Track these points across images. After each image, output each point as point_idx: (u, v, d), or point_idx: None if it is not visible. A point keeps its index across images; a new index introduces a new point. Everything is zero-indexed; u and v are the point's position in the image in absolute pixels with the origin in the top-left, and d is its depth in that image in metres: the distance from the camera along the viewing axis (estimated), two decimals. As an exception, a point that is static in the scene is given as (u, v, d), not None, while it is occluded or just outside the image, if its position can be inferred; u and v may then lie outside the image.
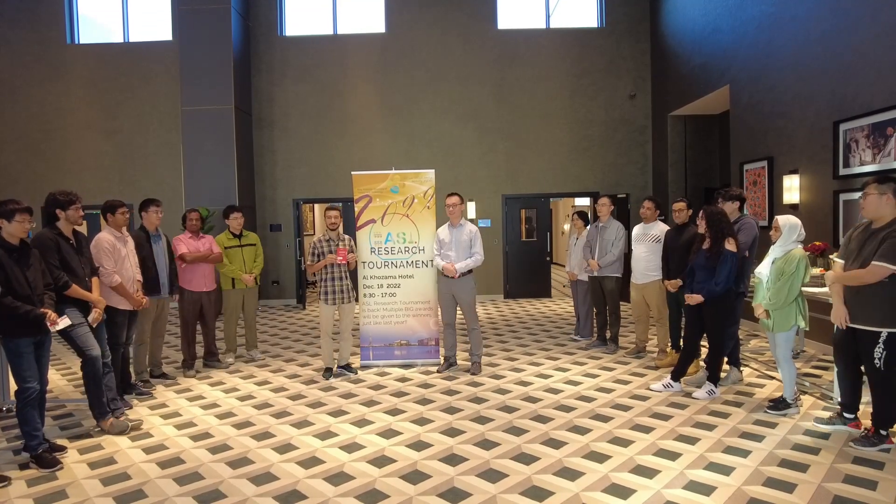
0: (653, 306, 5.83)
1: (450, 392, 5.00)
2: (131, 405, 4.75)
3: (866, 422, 3.77)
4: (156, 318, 5.36)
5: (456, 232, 5.56)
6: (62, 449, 3.80)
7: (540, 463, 3.52)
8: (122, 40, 10.74)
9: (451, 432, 4.06)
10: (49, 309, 3.63)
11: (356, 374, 5.64)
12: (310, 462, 3.62)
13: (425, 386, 5.20)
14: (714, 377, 4.69)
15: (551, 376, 5.42)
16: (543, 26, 10.80)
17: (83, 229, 4.60)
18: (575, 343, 6.79)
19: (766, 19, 7.01)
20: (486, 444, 3.83)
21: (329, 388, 5.23)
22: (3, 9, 10.44)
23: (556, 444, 3.81)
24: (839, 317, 3.69)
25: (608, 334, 6.41)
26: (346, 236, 5.66)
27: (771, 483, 3.19)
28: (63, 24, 10.52)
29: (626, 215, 9.84)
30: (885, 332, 3.49)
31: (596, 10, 10.80)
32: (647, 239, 5.78)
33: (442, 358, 5.82)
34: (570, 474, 3.36)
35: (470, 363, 5.68)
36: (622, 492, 3.14)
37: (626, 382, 5.16)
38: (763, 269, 4.28)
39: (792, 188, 6.52)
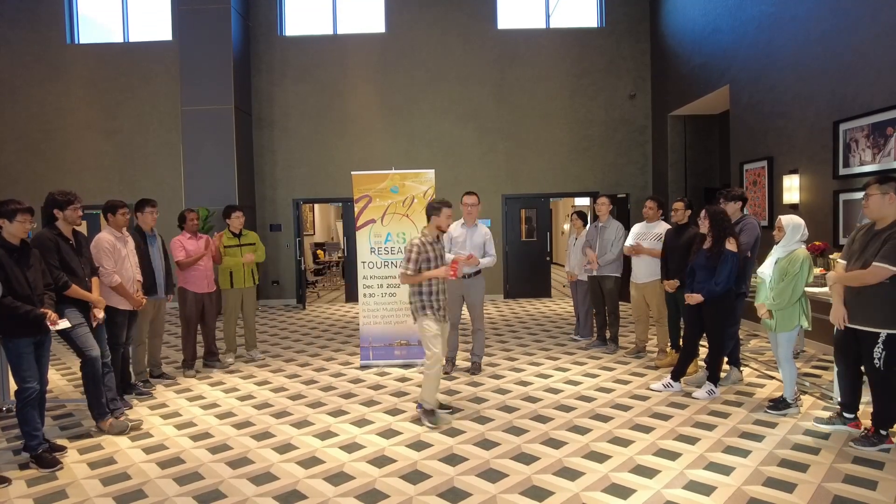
0: (652, 306, 5.83)
1: (450, 392, 5.00)
2: (131, 405, 4.75)
3: (866, 422, 3.77)
4: (153, 319, 5.37)
5: (470, 232, 5.53)
6: (62, 449, 3.80)
7: (540, 463, 3.52)
8: (122, 40, 10.75)
9: (451, 432, 4.06)
10: (49, 309, 3.63)
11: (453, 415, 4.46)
12: (310, 462, 3.62)
13: (425, 386, 5.20)
14: (714, 377, 4.69)
15: (551, 376, 5.42)
16: (543, 26, 10.80)
17: (83, 229, 4.60)
18: (575, 343, 6.79)
19: (766, 19, 7.01)
20: (486, 444, 3.83)
21: (329, 387, 5.23)
22: (3, 9, 10.45)
23: (556, 443, 3.81)
24: (837, 317, 3.70)
25: (608, 334, 6.41)
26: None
27: (771, 483, 3.19)
28: (63, 24, 10.52)
29: (625, 215, 9.84)
30: (884, 332, 3.49)
31: (596, 10, 10.80)
32: (649, 238, 5.77)
33: (443, 359, 5.80)
34: (570, 474, 3.36)
35: (470, 363, 5.68)
36: (622, 492, 3.14)
37: (625, 382, 5.16)
38: (766, 270, 4.28)
39: (792, 188, 6.52)
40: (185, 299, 5.72)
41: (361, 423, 4.31)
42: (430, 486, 3.26)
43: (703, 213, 4.65)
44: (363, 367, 5.88)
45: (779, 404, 4.27)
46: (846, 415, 3.88)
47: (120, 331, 4.62)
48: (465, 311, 5.73)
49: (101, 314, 4.18)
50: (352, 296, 10.54)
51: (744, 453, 3.58)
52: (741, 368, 5.16)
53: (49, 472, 3.51)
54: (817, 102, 6.15)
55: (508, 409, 4.51)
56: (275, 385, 5.34)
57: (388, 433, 4.08)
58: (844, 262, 3.76)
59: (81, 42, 10.71)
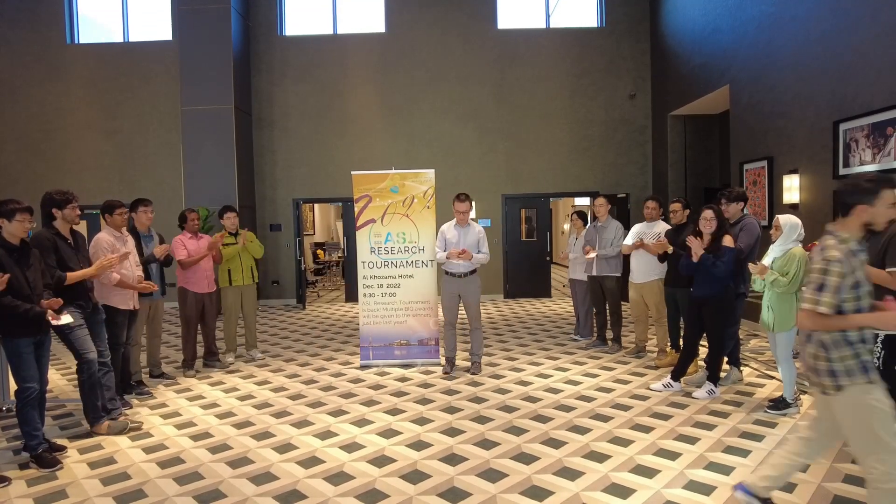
0: (651, 306, 5.83)
1: (450, 392, 5.00)
2: (131, 405, 4.75)
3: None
4: (150, 319, 5.37)
5: (464, 232, 5.55)
6: (62, 449, 3.80)
7: (540, 463, 3.52)
8: (122, 40, 10.75)
9: (451, 432, 4.06)
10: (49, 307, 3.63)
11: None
12: (310, 462, 3.62)
13: (425, 386, 5.20)
14: (714, 377, 4.69)
15: (551, 376, 5.42)
16: (543, 26, 10.80)
17: (83, 230, 4.59)
18: (575, 343, 6.79)
19: (766, 19, 7.01)
20: (486, 444, 3.83)
21: (329, 387, 5.23)
22: (3, 9, 10.45)
23: (555, 443, 3.81)
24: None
25: (609, 334, 6.41)
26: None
27: (771, 483, 3.19)
28: (63, 24, 10.53)
29: (625, 215, 9.84)
30: (882, 332, 3.48)
31: (596, 10, 10.80)
32: (649, 237, 5.77)
33: (443, 359, 5.82)
34: (570, 474, 3.36)
35: (470, 363, 5.68)
36: (622, 491, 3.14)
37: (625, 382, 5.16)
38: (765, 262, 4.28)
39: (792, 188, 6.52)
40: (186, 299, 5.72)
41: (361, 422, 4.31)
42: (430, 485, 3.26)
43: (707, 213, 4.61)
44: (363, 367, 5.88)
45: (779, 404, 4.27)
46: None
47: (120, 331, 4.61)
48: (462, 310, 5.73)
49: (64, 318, 3.75)
50: (352, 296, 10.55)
51: (744, 453, 3.58)
52: (741, 368, 5.17)
53: (49, 472, 3.51)
54: (817, 102, 6.15)
55: (508, 409, 4.51)
56: (275, 385, 5.34)
57: (388, 433, 4.08)
58: None
59: (81, 42, 10.71)
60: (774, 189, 6.92)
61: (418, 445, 3.84)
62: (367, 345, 5.96)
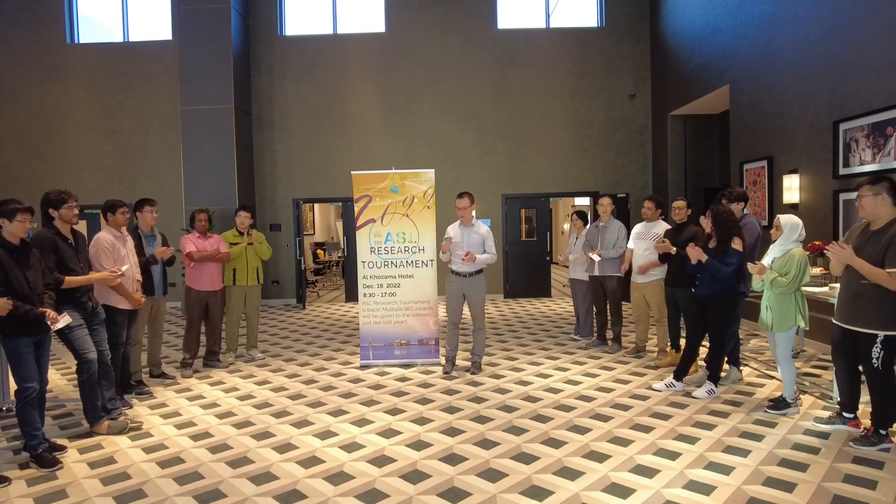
0: (653, 306, 5.83)
1: (450, 392, 5.00)
2: (131, 405, 4.75)
3: (866, 421, 3.77)
4: (152, 319, 5.36)
5: (467, 231, 5.53)
6: (62, 448, 3.80)
7: (540, 462, 3.52)
8: (122, 40, 10.74)
9: (451, 432, 4.06)
10: (49, 308, 3.63)
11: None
12: (310, 462, 3.62)
13: (425, 385, 5.21)
14: (714, 376, 4.69)
15: (551, 376, 5.42)
16: (543, 26, 10.80)
17: (83, 229, 4.59)
18: (575, 343, 6.79)
19: (766, 19, 7.01)
20: (486, 444, 3.83)
21: (329, 387, 5.23)
22: (3, 9, 10.45)
23: (555, 443, 3.81)
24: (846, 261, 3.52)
25: (610, 334, 6.41)
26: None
27: (771, 482, 3.19)
28: (63, 24, 10.52)
29: (626, 215, 9.84)
30: (882, 333, 3.49)
31: (596, 9, 10.80)
32: (649, 237, 5.77)
33: (443, 358, 5.81)
34: (570, 474, 3.36)
35: (470, 363, 5.68)
36: (622, 491, 3.14)
37: (625, 382, 5.16)
38: (764, 262, 4.27)
39: (792, 188, 6.52)
40: (190, 297, 5.72)
41: (361, 422, 4.31)
42: (430, 485, 3.26)
43: (707, 213, 4.63)
44: (363, 367, 5.88)
45: (778, 404, 4.27)
46: (846, 414, 3.88)
47: (120, 330, 4.61)
48: (465, 310, 5.73)
49: (63, 320, 3.72)
50: (352, 295, 10.55)
51: (744, 453, 3.58)
52: (741, 368, 5.17)
53: (49, 472, 3.51)
54: (817, 102, 6.15)
55: (508, 409, 4.51)
56: (275, 385, 5.35)
57: (388, 433, 4.08)
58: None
59: (81, 42, 10.71)
60: (774, 189, 6.92)
61: (418, 445, 3.84)
62: (367, 345, 5.96)
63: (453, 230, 5.57)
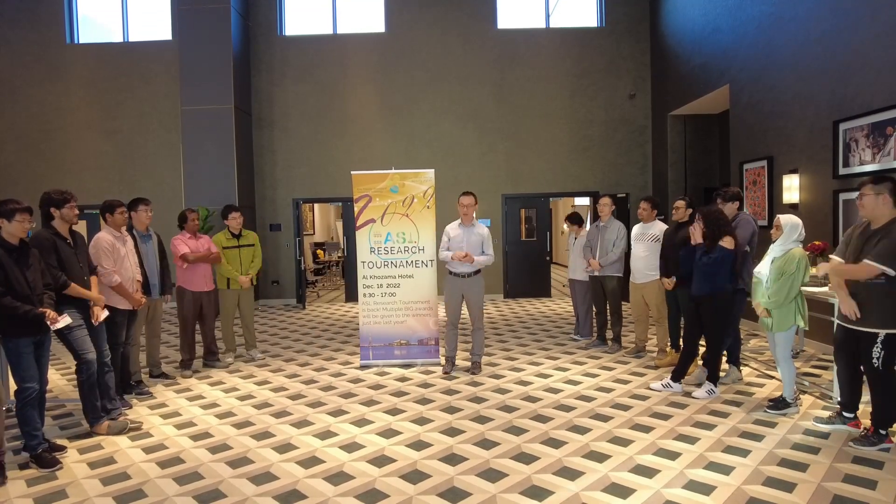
0: (652, 306, 5.83)
1: (449, 392, 5.00)
2: (131, 405, 4.75)
3: (866, 421, 3.78)
4: (150, 319, 5.36)
5: (467, 231, 5.53)
6: (62, 449, 3.80)
7: (540, 462, 3.52)
8: (121, 40, 10.74)
9: (451, 432, 4.06)
10: (49, 308, 3.63)
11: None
12: (310, 462, 3.62)
13: (425, 386, 5.21)
14: (714, 376, 4.69)
15: (551, 376, 5.42)
16: (543, 26, 10.80)
17: (82, 229, 4.59)
18: (575, 343, 6.79)
19: (766, 19, 7.01)
20: (486, 444, 3.83)
21: (329, 387, 5.23)
22: (3, 9, 10.45)
23: (555, 443, 3.81)
24: (849, 310, 3.62)
25: (610, 334, 6.41)
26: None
27: (771, 482, 3.19)
28: (63, 24, 10.52)
29: (626, 215, 9.84)
30: (883, 332, 3.49)
31: (596, 9, 10.80)
32: (646, 238, 5.78)
33: (443, 358, 5.82)
34: (570, 474, 3.36)
35: (470, 363, 5.68)
36: (622, 491, 3.14)
37: (625, 382, 5.16)
38: (762, 269, 4.28)
39: (792, 188, 6.52)
40: (183, 298, 5.72)
41: (361, 422, 4.31)
42: (430, 485, 3.26)
43: (696, 216, 4.64)
44: (363, 367, 5.88)
45: (778, 404, 4.27)
46: (846, 414, 3.88)
47: (119, 330, 4.62)
48: (464, 310, 5.73)
49: (102, 314, 4.16)
50: (351, 295, 10.55)
51: (743, 453, 3.59)
52: (741, 368, 5.17)
53: (49, 472, 3.51)
54: (817, 102, 6.15)
55: (508, 409, 4.51)
56: (274, 385, 5.34)
57: (388, 433, 4.08)
58: (840, 259, 3.76)
59: (81, 42, 10.71)
60: (774, 189, 6.92)
61: (418, 445, 3.84)
62: (366, 345, 5.96)
63: (453, 229, 5.57)
